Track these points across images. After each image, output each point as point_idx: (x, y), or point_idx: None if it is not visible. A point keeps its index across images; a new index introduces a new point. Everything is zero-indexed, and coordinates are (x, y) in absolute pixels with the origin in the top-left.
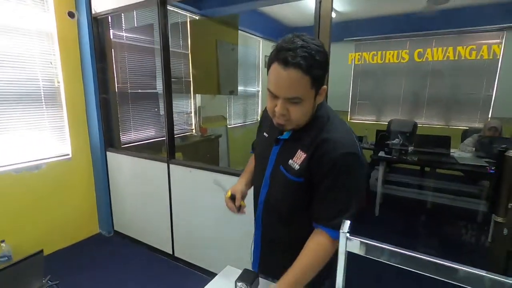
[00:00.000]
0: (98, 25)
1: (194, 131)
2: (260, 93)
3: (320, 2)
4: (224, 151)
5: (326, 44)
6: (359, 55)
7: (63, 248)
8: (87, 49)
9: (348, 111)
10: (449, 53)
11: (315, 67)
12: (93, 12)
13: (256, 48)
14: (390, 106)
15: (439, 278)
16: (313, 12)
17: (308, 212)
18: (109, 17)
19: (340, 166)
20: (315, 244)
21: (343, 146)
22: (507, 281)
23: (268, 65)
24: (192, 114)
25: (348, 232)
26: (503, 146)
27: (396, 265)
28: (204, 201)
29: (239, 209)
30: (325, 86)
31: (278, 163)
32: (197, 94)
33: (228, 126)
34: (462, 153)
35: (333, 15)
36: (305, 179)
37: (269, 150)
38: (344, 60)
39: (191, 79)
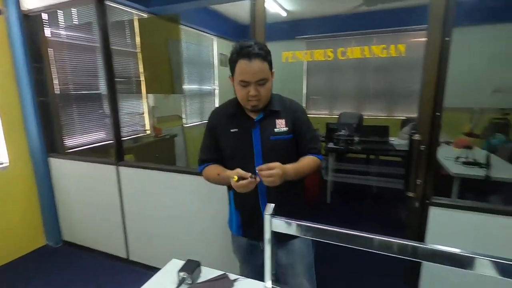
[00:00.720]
0: (31, 22)
1: (148, 131)
2: (217, 91)
3: (254, 2)
4: (181, 151)
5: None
6: (310, 52)
7: (7, 263)
8: (19, 48)
9: (304, 106)
10: (391, 50)
11: (268, 55)
12: (22, 8)
13: (210, 46)
14: (341, 100)
15: (349, 246)
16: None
17: (296, 153)
18: (43, 15)
19: (304, 114)
20: (312, 158)
21: (298, 103)
22: (410, 243)
23: (232, 64)
24: (146, 115)
25: (272, 214)
26: (412, 131)
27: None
28: (159, 201)
29: (254, 178)
30: (274, 70)
31: (266, 137)
32: (149, 94)
33: (185, 125)
34: (401, 140)
35: (284, 14)
36: (293, 134)
37: (248, 137)
38: (296, 58)
39: (143, 79)
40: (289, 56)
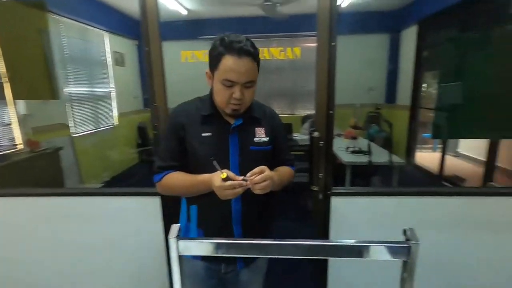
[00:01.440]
0: None
1: (19, 146)
2: (113, 94)
3: None
4: (70, 166)
5: (156, 40)
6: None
7: None
8: None
9: None
10: (287, 53)
11: (258, 55)
12: None
13: (100, 43)
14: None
15: (266, 256)
16: (163, 6)
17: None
18: None
19: (281, 124)
20: (289, 170)
21: (275, 111)
22: (311, 243)
23: (216, 58)
24: (15, 125)
25: (177, 236)
26: (312, 128)
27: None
28: (38, 235)
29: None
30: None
31: (245, 146)
32: (19, 100)
33: (73, 135)
34: (302, 136)
35: (184, 12)
36: (272, 145)
37: (224, 144)
38: (196, 58)
39: (6, 80)
40: (188, 55)
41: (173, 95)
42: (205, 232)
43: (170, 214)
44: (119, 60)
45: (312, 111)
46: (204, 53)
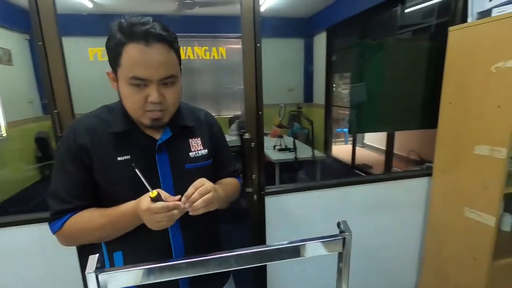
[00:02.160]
0: None
1: None
2: None
3: None
4: None
5: (53, 34)
6: None
7: None
8: None
9: None
10: (213, 52)
11: (175, 42)
12: None
13: None
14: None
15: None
16: None
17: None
18: None
19: (221, 130)
20: (235, 181)
21: (213, 116)
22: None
23: (115, 51)
24: None
25: (97, 268)
26: (242, 130)
27: None
28: None
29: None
30: (181, 66)
31: (179, 166)
32: None
33: None
34: (231, 137)
35: (89, 5)
36: (213, 158)
37: (150, 167)
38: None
39: None
40: (98, 53)
41: (83, 99)
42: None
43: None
44: (3, 58)
45: (238, 112)
46: None
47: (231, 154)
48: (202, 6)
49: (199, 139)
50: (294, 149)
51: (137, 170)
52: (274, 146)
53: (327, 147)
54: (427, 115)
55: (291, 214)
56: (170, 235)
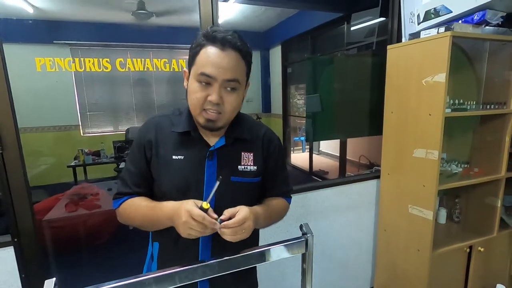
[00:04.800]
0: None
1: None
2: None
3: None
4: None
5: None
6: (80, 61)
7: None
8: None
9: (79, 125)
10: (173, 64)
11: (248, 56)
12: None
13: None
14: (125, 115)
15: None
16: None
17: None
18: None
19: (280, 149)
20: (284, 203)
21: (274, 132)
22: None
23: (194, 51)
24: None
25: None
26: None
27: None
28: None
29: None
30: (249, 82)
31: (225, 175)
32: None
33: None
34: None
35: (30, 10)
36: (261, 176)
37: (199, 171)
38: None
39: None
40: (47, 63)
41: (29, 110)
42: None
43: (31, 266)
44: None
45: None
46: (70, 61)
47: (287, 174)
48: (159, 16)
49: (251, 154)
50: None
51: (217, 182)
52: None
53: (285, 155)
54: (373, 123)
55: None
56: (200, 250)
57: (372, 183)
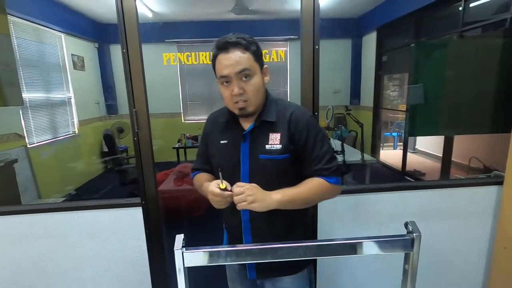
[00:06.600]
0: None
1: None
2: (72, 100)
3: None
4: (27, 180)
5: (135, 43)
6: (183, 55)
7: None
8: None
9: (180, 113)
10: (273, 55)
11: (251, 44)
12: None
13: (57, 45)
14: (219, 105)
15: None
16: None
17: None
18: None
19: (311, 127)
20: (318, 182)
21: (305, 112)
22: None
23: (213, 63)
24: None
25: (183, 247)
26: None
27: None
28: None
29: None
30: (267, 66)
31: (254, 155)
32: None
33: (29, 146)
34: None
35: (149, 15)
36: (290, 154)
37: (237, 151)
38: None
39: None
40: (171, 58)
41: (156, 98)
42: (229, 232)
43: (152, 225)
44: (78, 64)
45: None
46: (186, 55)
47: (325, 153)
48: (254, 11)
49: (279, 134)
50: (342, 152)
51: (220, 173)
52: None
53: (374, 151)
54: (497, 118)
55: (343, 216)
56: (242, 213)
57: (490, 190)
